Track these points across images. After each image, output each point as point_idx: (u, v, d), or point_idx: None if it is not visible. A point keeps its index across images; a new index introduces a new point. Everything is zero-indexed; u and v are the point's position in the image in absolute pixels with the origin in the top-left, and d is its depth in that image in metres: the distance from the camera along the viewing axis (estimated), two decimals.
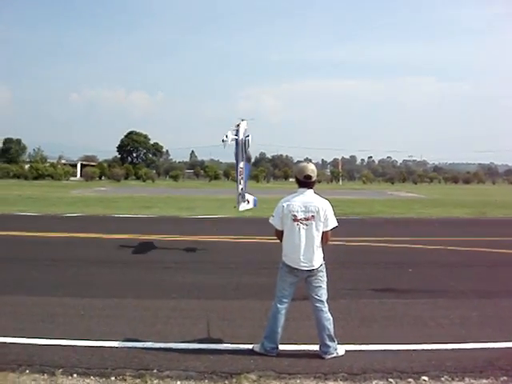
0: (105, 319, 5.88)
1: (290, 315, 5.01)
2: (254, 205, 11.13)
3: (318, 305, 4.82)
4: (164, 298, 6.89)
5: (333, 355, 4.74)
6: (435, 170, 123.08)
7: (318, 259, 4.78)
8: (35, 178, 65.46)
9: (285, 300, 4.86)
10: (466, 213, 21.72)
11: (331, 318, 4.81)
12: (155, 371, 4.40)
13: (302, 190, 4.83)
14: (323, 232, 4.78)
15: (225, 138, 9.46)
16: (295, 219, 4.74)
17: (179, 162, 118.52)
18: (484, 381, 4.33)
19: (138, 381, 4.26)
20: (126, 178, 73.54)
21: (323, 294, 4.84)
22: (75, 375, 4.34)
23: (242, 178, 10.35)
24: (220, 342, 5.15)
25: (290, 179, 72.75)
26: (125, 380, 4.27)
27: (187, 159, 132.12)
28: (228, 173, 77.00)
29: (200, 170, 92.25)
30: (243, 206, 10.63)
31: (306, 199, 4.78)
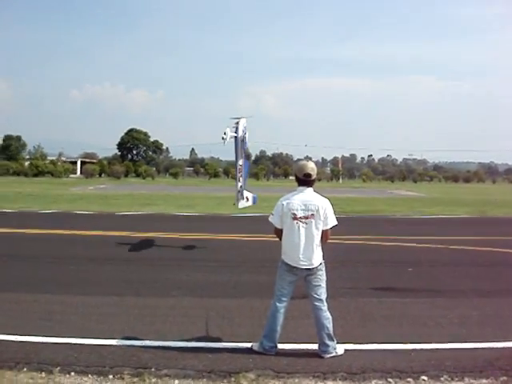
0: (103, 317, 5.86)
1: (289, 314, 4.99)
2: (254, 202, 11.11)
3: (317, 303, 4.80)
4: (163, 296, 6.87)
5: (332, 354, 4.72)
6: (435, 169, 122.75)
7: (317, 258, 4.76)
8: (35, 175, 65.47)
9: (284, 299, 4.84)
10: (466, 212, 21.68)
11: (330, 317, 4.79)
12: (153, 370, 4.38)
13: (301, 188, 4.81)
14: (323, 230, 4.76)
15: (224, 136, 9.42)
16: (295, 217, 4.72)
17: (179, 160, 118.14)
18: (484, 381, 4.31)
19: (135, 379, 4.24)
20: (126, 176, 73.50)
21: (322, 293, 4.82)
22: (73, 373, 4.32)
23: (241, 176, 10.33)
24: (219, 340, 5.14)
25: (290, 177, 72.69)
26: (123, 378, 4.25)
27: (187, 157, 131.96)
28: (228, 170, 76.99)
29: (200, 167, 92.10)
30: (242, 204, 10.60)
31: (306, 197, 4.75)
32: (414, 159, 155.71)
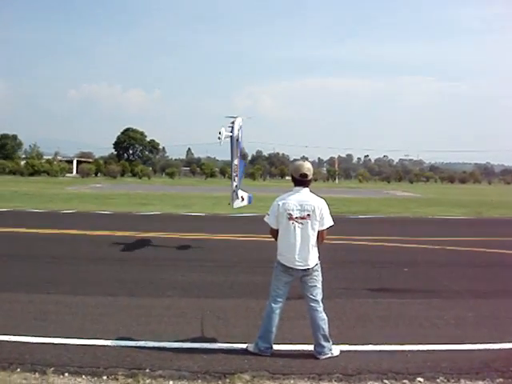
0: (98, 317, 5.82)
1: (285, 314, 4.97)
2: (249, 202, 11.07)
3: (312, 304, 4.78)
4: (158, 297, 6.84)
5: (327, 355, 4.70)
6: (431, 170, 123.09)
7: (313, 258, 4.74)
8: (31, 175, 65.23)
9: (279, 299, 4.81)
10: (462, 212, 21.73)
11: (326, 318, 4.77)
12: (148, 371, 4.35)
13: (297, 188, 4.79)
14: (319, 231, 4.74)
15: (219, 135, 9.39)
16: (290, 218, 4.69)
17: (175, 160, 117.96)
18: (480, 382, 4.30)
19: (130, 380, 4.20)
20: (122, 175, 73.32)
21: (318, 294, 4.80)
22: (67, 374, 4.28)
23: (236, 175, 10.29)
24: (214, 341, 5.11)
25: (287, 177, 72.66)
26: (117, 379, 4.22)
27: (184, 156, 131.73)
28: (224, 170, 76.85)
29: (196, 167, 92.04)
30: (237, 203, 10.57)
31: (302, 198, 4.73)
32: (411, 160, 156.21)
